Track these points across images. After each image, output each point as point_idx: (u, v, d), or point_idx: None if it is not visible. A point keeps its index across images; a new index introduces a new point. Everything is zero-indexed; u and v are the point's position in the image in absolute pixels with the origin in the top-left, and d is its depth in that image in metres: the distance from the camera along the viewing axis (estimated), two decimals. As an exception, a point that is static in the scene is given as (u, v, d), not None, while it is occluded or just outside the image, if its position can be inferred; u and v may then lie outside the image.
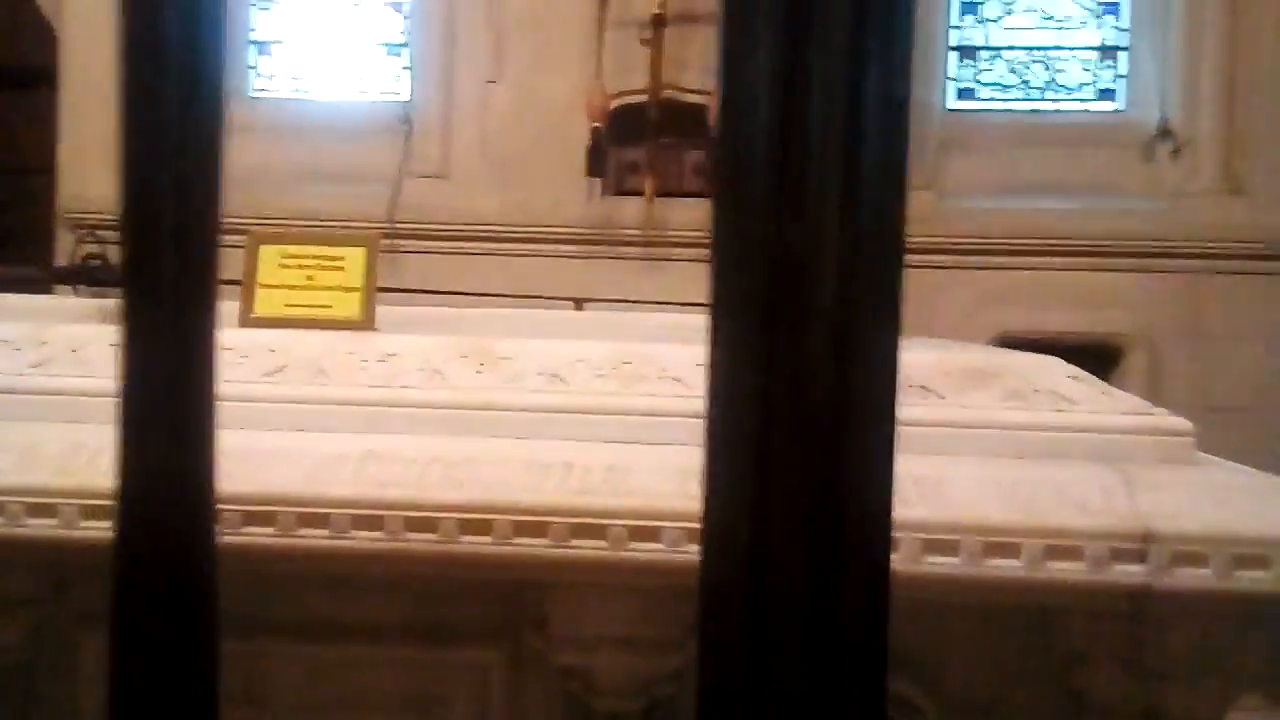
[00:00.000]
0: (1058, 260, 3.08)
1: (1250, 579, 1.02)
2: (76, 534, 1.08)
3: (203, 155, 0.30)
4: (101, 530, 1.07)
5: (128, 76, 0.33)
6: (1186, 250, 3.04)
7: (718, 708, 0.27)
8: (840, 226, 0.26)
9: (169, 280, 0.30)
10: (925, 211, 3.17)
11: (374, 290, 1.40)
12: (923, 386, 1.23)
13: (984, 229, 3.16)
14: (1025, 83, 3.43)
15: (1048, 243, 3.08)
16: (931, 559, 1.05)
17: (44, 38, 3.20)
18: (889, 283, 0.28)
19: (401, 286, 2.29)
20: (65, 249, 2.88)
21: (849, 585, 0.26)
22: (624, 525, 1.07)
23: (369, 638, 1.23)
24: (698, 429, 1.10)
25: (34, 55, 3.19)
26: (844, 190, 0.26)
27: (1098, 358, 3.06)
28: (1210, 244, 3.05)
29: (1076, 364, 1.29)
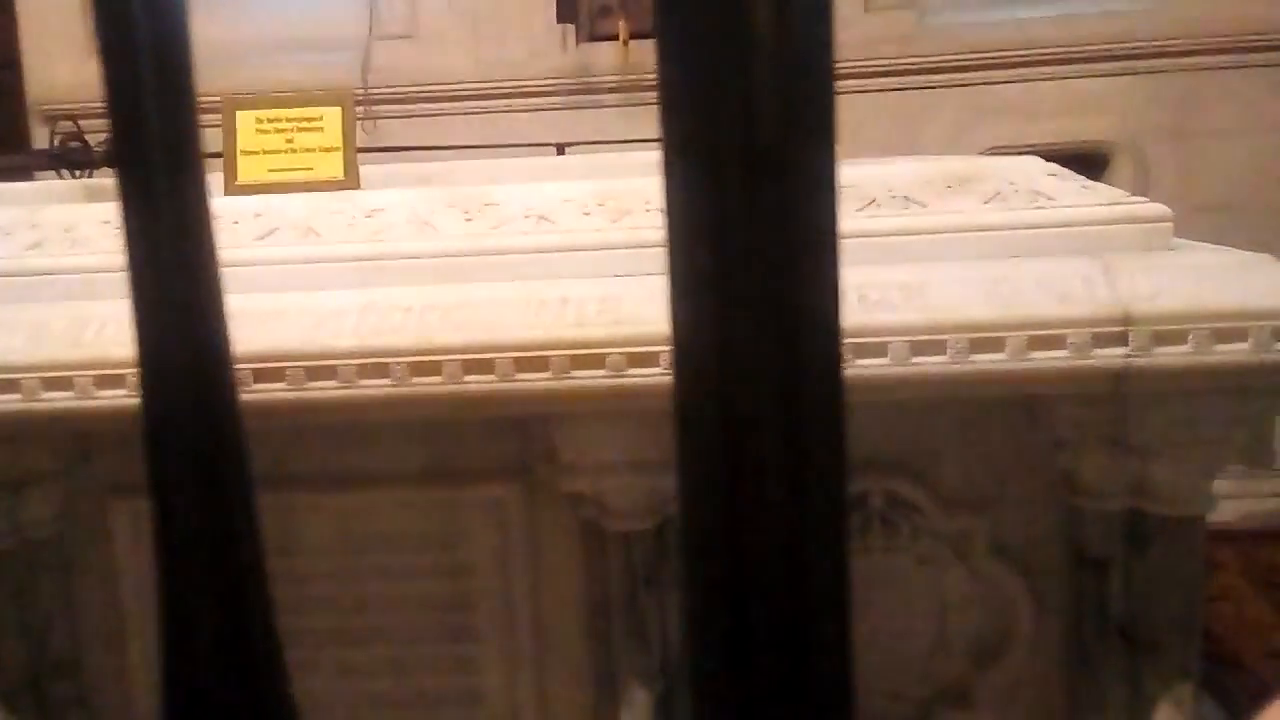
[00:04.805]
0: (1044, 70, 3.03)
1: (1229, 351, 1.06)
2: (93, 404, 1.11)
3: (174, 20, 0.31)
4: (118, 398, 1.11)
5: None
6: (1170, 49, 2.99)
7: (699, 511, 0.30)
8: (774, 60, 0.28)
9: (157, 152, 0.31)
10: (906, 31, 3.11)
11: (354, 148, 1.41)
12: (905, 197, 1.25)
13: (967, 44, 3.11)
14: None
15: (1033, 53, 3.03)
16: (918, 359, 1.08)
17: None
18: (823, 110, 0.30)
19: (382, 146, 2.28)
20: (43, 139, 2.85)
21: (808, 390, 0.29)
22: (621, 353, 1.10)
23: (390, 483, 1.28)
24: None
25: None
26: (776, 27, 0.28)
27: (1086, 165, 3.04)
28: (1193, 40, 3.01)
29: (1065, 173, 1.30)
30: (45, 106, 2.97)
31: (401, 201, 1.29)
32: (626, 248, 1.20)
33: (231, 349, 0.32)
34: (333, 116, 1.40)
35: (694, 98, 0.29)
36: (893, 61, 3.09)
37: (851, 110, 3.23)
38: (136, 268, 0.31)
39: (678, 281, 0.31)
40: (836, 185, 0.29)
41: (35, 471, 1.23)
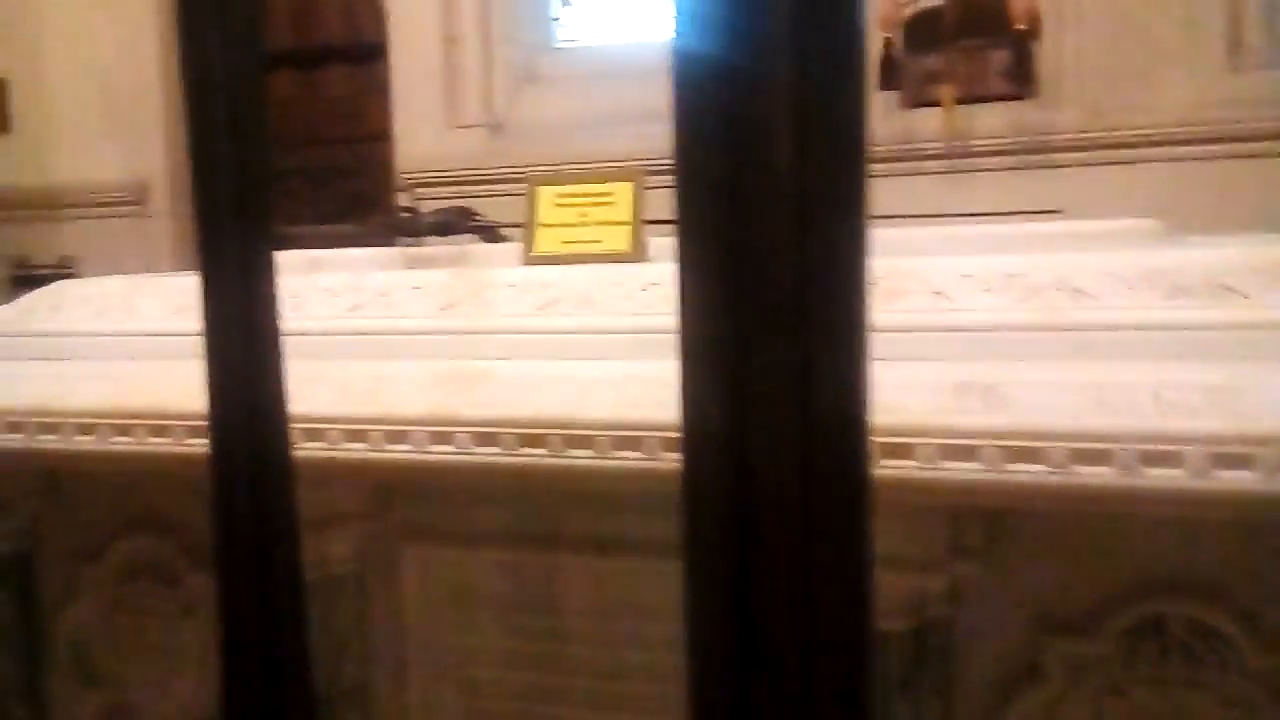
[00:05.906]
0: None
1: None
2: (385, 456, 1.21)
3: (250, 111, 0.34)
4: (406, 452, 1.19)
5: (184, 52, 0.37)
6: None
7: (705, 613, 0.28)
8: (794, 201, 0.26)
9: (232, 227, 0.34)
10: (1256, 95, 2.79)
11: (642, 223, 1.45)
12: (1225, 286, 1.11)
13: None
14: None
15: None
16: (1222, 473, 0.95)
17: (376, 15, 3.53)
18: (851, 188, 0.27)
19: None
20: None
21: (827, 487, 0.26)
22: (881, 441, 1.05)
23: (645, 552, 1.29)
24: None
25: (369, 32, 3.54)
26: (795, 89, 0.26)
27: None
28: None
29: None
30: (407, 175, 3.33)
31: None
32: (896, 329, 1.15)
33: (286, 409, 0.33)
34: (624, 192, 1.45)
35: (712, 234, 0.27)
36: (1262, 126, 2.77)
37: (1207, 183, 2.93)
38: (210, 334, 0.33)
39: (689, 356, 0.29)
40: (865, 269, 0.26)
41: (338, 513, 1.35)
